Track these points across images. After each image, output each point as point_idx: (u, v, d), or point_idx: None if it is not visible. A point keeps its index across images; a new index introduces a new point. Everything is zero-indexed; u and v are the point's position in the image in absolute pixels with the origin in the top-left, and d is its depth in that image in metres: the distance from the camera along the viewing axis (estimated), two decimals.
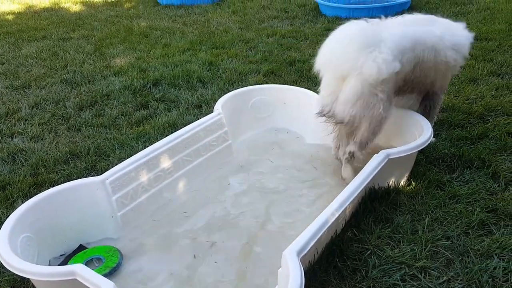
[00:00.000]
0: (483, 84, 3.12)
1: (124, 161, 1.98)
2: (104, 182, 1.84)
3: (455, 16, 4.64)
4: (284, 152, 2.56)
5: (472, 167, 2.23)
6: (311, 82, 3.34)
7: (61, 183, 1.94)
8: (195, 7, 5.84)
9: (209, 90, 3.33)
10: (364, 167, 1.85)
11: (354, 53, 1.92)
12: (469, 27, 4.14)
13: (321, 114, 2.14)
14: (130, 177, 1.94)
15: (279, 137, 2.70)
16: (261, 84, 3.30)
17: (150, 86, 3.44)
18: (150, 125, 2.86)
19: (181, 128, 2.78)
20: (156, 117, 2.96)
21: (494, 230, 1.81)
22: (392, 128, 2.25)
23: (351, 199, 1.67)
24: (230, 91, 3.24)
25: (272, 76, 3.52)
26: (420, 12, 4.58)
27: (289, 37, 4.41)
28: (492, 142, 2.42)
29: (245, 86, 3.29)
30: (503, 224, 1.84)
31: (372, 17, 2.14)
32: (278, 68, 3.64)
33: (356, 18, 2.11)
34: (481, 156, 2.28)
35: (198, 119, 2.87)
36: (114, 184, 1.87)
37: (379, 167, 1.85)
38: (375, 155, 1.92)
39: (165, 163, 2.13)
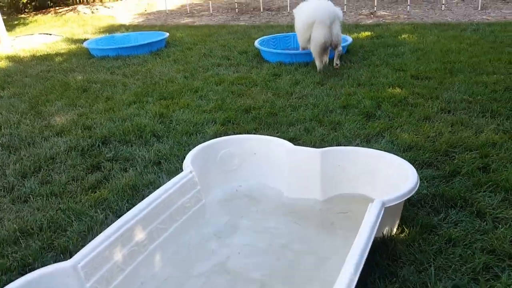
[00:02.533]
0: (437, 121, 3.22)
1: (94, 239, 1.70)
2: (75, 267, 1.55)
3: (390, 57, 4.87)
4: (260, 208, 2.40)
5: (456, 207, 2.20)
6: (272, 129, 3.25)
7: (14, 269, 1.62)
8: (133, 58, 5.64)
9: (166, 144, 3.12)
10: (364, 221, 1.73)
11: (334, 8, 4.37)
12: (408, 66, 4.41)
13: (325, 44, 4.33)
14: (103, 258, 1.66)
15: (253, 191, 2.54)
16: (221, 134, 3.16)
17: (99, 145, 3.15)
18: (107, 189, 2.57)
19: (143, 189, 2.56)
20: (112, 180, 2.68)
21: (500, 274, 1.76)
22: (370, 174, 2.22)
23: (364, 259, 1.54)
24: (188, 144, 3.08)
25: (230, 125, 3.39)
26: (357, 55, 4.69)
27: (238, 84, 4.34)
28: (466, 178, 2.44)
29: (203, 137, 3.14)
30: (506, 266, 1.80)
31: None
32: (235, 116, 3.52)
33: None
34: (461, 194, 2.28)
35: (160, 177, 2.67)
36: (87, 268, 1.58)
37: (380, 218, 1.75)
38: (371, 205, 1.82)
39: (139, 235, 1.87)
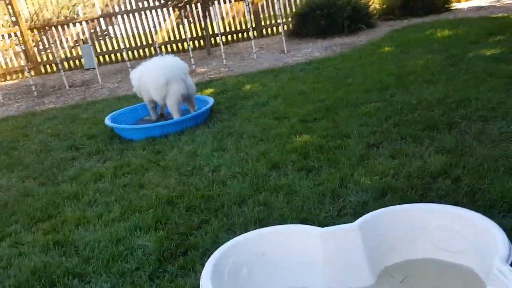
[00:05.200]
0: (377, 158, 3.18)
1: None
2: None
3: (259, 108, 4.77)
4: None
5: None
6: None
7: None
8: None
9: None
10: None
11: (181, 61, 4.74)
12: (287, 113, 4.35)
13: (183, 97, 4.64)
14: None
15: None
16: (168, 242, 2.41)
17: None
18: None
19: None
20: None
21: None
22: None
23: None
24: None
25: (166, 226, 2.63)
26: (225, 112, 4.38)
27: (123, 175, 3.51)
28: None
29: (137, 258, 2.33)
30: None
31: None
32: (162, 213, 2.77)
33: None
34: None
35: None
36: None
37: None
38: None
39: None
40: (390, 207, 2.07)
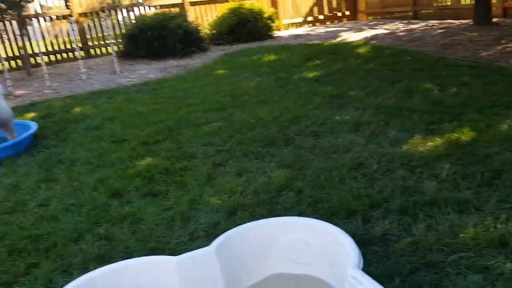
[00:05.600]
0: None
1: None
2: None
3: (93, 131, 4.38)
4: None
5: None
6: None
7: None
8: None
9: None
10: None
11: None
12: (127, 135, 4.06)
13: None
14: None
15: None
16: None
17: None
18: None
19: None
20: None
21: None
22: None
23: None
24: None
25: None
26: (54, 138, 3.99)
27: None
28: None
29: None
30: None
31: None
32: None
33: None
34: None
35: None
36: None
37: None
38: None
39: None
40: (243, 225, 2.03)
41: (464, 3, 9.31)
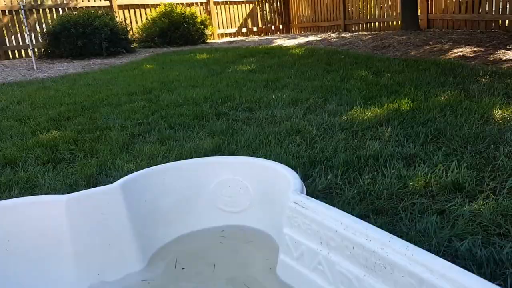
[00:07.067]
0: None
1: None
2: None
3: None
4: None
5: None
6: None
7: None
8: None
9: None
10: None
11: None
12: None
13: None
14: None
15: None
16: None
17: None
18: None
19: None
20: None
21: None
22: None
23: None
24: None
25: None
26: None
27: None
28: None
29: None
30: None
31: None
32: None
33: None
34: None
35: None
36: None
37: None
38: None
39: None
40: (161, 165, 1.64)
41: (390, 16, 9.65)
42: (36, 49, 8.33)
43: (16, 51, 9.25)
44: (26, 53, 9.15)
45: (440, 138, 2.39)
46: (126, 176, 1.47)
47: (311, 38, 9.41)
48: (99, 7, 9.82)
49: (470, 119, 2.63)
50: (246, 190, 1.58)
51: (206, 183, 1.61)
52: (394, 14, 9.40)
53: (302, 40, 9.14)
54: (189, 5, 10.76)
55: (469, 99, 3.10)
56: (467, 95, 3.21)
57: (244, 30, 12.10)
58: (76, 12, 9.27)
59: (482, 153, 2.14)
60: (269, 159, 2.21)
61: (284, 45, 8.53)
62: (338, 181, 1.96)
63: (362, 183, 1.92)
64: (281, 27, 12.92)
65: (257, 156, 2.27)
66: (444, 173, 1.94)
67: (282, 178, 1.42)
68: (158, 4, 10.26)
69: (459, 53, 5.43)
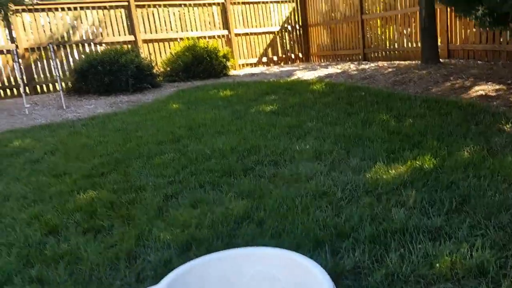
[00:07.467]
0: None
1: None
2: None
3: (24, 169, 3.98)
4: None
5: None
6: None
7: None
8: None
9: None
10: None
11: None
12: (67, 169, 3.68)
13: None
14: None
15: None
16: None
17: None
18: None
19: None
20: None
21: None
22: None
23: None
24: None
25: None
26: None
27: None
28: None
29: None
30: None
31: None
32: None
33: None
34: None
35: None
36: None
37: None
38: None
39: None
40: (199, 259, 1.76)
41: (410, 46, 9.72)
42: (63, 84, 8.63)
43: (44, 86, 9.65)
44: (54, 87, 9.53)
45: (464, 207, 2.45)
46: (169, 275, 1.59)
47: (331, 69, 9.52)
48: (124, 42, 10.18)
49: (493, 183, 2.68)
50: (281, 283, 1.68)
51: (241, 275, 1.72)
52: (414, 44, 9.46)
53: (322, 72, 9.26)
54: (211, 37, 11.06)
55: (492, 155, 3.15)
56: (489, 150, 3.26)
57: (264, 59, 12.32)
58: (103, 48, 9.65)
59: (505, 227, 2.19)
60: (298, 231, 2.32)
61: (304, 78, 8.67)
62: (366, 259, 2.04)
63: (390, 263, 1.99)
64: (300, 55, 13.09)
65: (285, 227, 2.38)
66: (468, 252, 2.00)
67: (313, 279, 1.52)
68: (182, 38, 10.57)
69: (481, 92, 5.46)
